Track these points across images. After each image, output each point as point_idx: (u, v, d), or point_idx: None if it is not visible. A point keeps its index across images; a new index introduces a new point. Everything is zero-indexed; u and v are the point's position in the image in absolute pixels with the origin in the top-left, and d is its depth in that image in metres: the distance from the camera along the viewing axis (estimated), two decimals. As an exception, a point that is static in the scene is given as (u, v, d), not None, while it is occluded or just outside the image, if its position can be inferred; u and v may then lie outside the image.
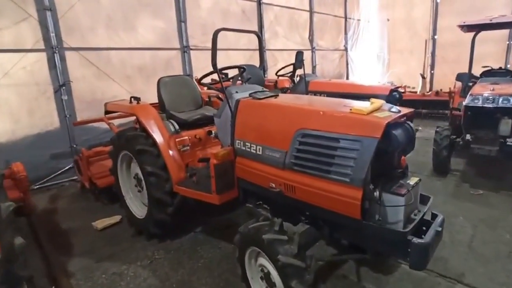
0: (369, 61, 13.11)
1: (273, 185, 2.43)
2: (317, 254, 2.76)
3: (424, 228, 2.09)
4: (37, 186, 5.05)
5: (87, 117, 5.27)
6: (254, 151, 2.56)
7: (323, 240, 3.06)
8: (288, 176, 2.32)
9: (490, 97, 4.37)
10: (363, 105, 2.20)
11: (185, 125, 3.56)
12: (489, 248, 3.20)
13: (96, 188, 4.44)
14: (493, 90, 4.51)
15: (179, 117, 3.58)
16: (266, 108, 2.60)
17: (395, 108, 2.21)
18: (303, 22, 10.50)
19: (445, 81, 9.46)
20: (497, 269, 2.89)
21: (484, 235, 3.45)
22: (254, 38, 4.03)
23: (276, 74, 6.70)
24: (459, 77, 5.82)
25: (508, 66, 9.77)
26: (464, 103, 4.62)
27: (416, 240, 1.89)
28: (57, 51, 5.13)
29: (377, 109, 2.16)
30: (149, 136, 3.29)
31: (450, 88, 7.76)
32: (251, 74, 4.13)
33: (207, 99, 4.28)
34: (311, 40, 10.78)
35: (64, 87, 5.26)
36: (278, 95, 2.85)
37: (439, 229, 2.05)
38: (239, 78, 3.42)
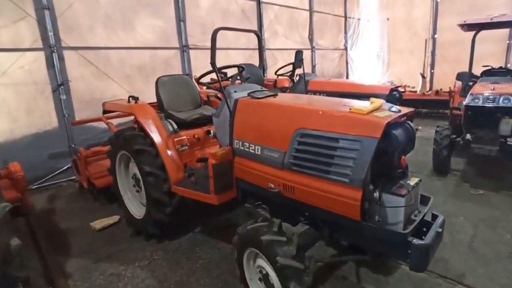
0: (369, 60, 13.08)
1: (272, 185, 2.41)
2: (317, 255, 2.73)
3: (424, 229, 2.07)
4: (35, 186, 5.02)
5: (86, 117, 5.24)
6: (253, 151, 2.54)
7: (323, 241, 3.05)
8: (287, 176, 2.30)
9: (491, 97, 4.34)
10: (362, 105, 2.17)
11: (183, 125, 3.54)
12: (490, 249, 3.18)
13: (94, 188, 4.41)
14: (493, 89, 4.48)
15: (178, 117, 3.55)
16: (264, 107, 2.57)
17: (395, 108, 2.18)
18: (303, 21, 10.47)
19: (445, 81, 9.45)
20: (498, 270, 2.87)
21: (484, 235, 3.43)
22: (253, 37, 4.00)
23: (275, 73, 6.67)
24: (459, 76, 5.80)
25: (509, 65, 9.74)
26: (464, 103, 4.59)
27: (416, 241, 1.87)
28: (55, 50, 5.10)
29: (377, 109, 2.13)
30: (147, 135, 3.27)
31: (450, 88, 7.74)
32: (250, 74, 4.11)
33: (206, 99, 4.25)
34: (311, 40, 10.75)
35: (62, 87, 5.23)
36: (277, 95, 2.83)
37: (440, 230, 2.02)
38: (238, 78, 3.39)
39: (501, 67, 5.93)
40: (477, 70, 5.78)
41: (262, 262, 2.26)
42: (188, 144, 3.44)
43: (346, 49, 12.55)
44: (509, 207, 4.03)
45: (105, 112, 4.08)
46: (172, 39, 6.81)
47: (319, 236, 2.53)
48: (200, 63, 7.06)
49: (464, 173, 5.27)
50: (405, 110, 2.21)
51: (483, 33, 5.70)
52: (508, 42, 9.97)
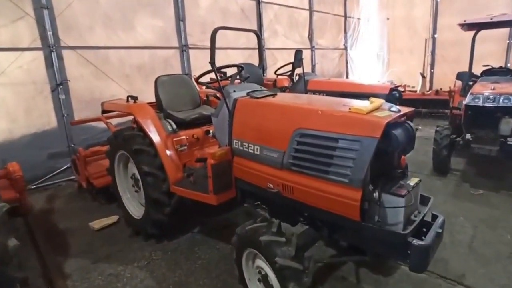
0: (369, 60, 13.07)
1: (271, 185, 2.40)
2: (316, 255, 2.72)
3: (424, 229, 2.06)
4: (34, 186, 5.01)
5: (85, 117, 5.23)
6: (252, 151, 2.53)
7: (322, 241, 3.03)
8: (286, 177, 2.29)
9: (491, 96, 4.33)
10: (362, 105, 2.16)
11: (182, 125, 3.52)
12: (490, 249, 3.17)
13: (93, 188, 4.40)
14: (493, 89, 4.47)
15: (177, 117, 3.54)
16: (263, 107, 2.56)
17: (395, 108, 2.17)
18: (303, 21, 10.46)
19: (445, 80, 9.45)
20: (498, 270, 2.86)
21: (484, 235, 3.42)
22: (253, 37, 3.98)
23: (275, 73, 6.66)
24: (459, 76, 5.79)
25: (509, 65, 9.73)
26: (464, 102, 4.58)
27: (416, 242, 1.86)
28: (54, 50, 5.08)
29: (377, 109, 2.12)
30: (146, 135, 3.26)
31: (450, 87, 7.73)
32: (250, 73, 4.09)
33: (205, 98, 4.24)
34: (310, 39, 10.73)
35: (61, 86, 5.22)
36: (276, 94, 2.81)
37: (440, 230, 2.01)
38: (237, 77, 3.38)
39: (501, 67, 5.92)
40: (477, 70, 5.76)
41: (261, 262, 2.25)
42: (187, 144, 3.43)
43: (346, 48, 12.54)
44: (509, 207, 4.02)
45: (104, 112, 4.07)
46: (171, 38, 6.80)
47: (319, 236, 2.52)
48: (199, 63, 7.05)
49: (464, 173, 5.26)
50: (405, 110, 2.19)
51: (483, 32, 5.69)
52: (508, 41, 9.96)
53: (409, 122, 2.16)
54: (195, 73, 6.65)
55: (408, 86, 10.28)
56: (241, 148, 2.62)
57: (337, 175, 2.00)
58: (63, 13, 5.14)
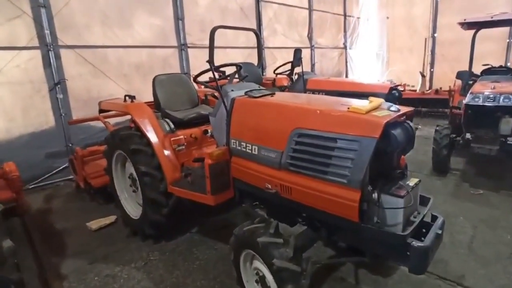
0: (369, 59, 13.04)
1: (269, 186, 2.37)
2: (314, 256, 2.71)
3: (424, 230, 2.04)
4: (32, 186, 4.99)
5: (83, 116, 5.20)
6: (250, 151, 2.50)
7: (321, 241, 3.01)
8: (284, 177, 2.26)
9: (491, 96, 4.30)
10: (361, 104, 2.13)
11: (180, 124, 3.49)
12: (490, 249, 3.15)
13: (91, 188, 4.38)
14: (494, 88, 4.45)
15: (175, 116, 3.51)
16: (261, 106, 2.53)
17: (394, 107, 2.14)
18: (302, 20, 10.42)
19: (445, 79, 9.43)
20: (498, 271, 2.84)
21: (484, 235, 3.40)
22: (252, 36, 3.95)
23: (274, 72, 6.63)
24: (459, 75, 5.76)
25: (509, 64, 9.71)
26: (464, 102, 4.55)
27: (415, 243, 1.83)
28: (52, 49, 5.05)
29: (376, 108, 2.09)
30: (143, 135, 3.23)
31: (450, 87, 7.70)
32: (249, 72, 4.07)
33: (204, 98, 4.21)
34: (310, 38, 10.70)
35: (59, 86, 5.19)
36: (274, 94, 2.79)
37: (439, 231, 1.99)
38: (236, 76, 3.35)
39: (501, 66, 5.89)
40: (477, 69, 5.74)
41: (258, 264, 2.23)
42: (185, 143, 3.40)
43: (345, 47, 12.51)
44: (509, 207, 3.99)
45: (101, 111, 4.04)
46: (170, 37, 6.76)
47: (317, 237, 2.49)
48: (198, 62, 7.00)
49: (464, 173, 5.24)
50: (404, 109, 2.17)
51: (483, 32, 5.67)
52: (508, 40, 9.94)
53: (408, 121, 2.14)
54: (194, 72, 6.61)
55: (408, 85, 10.26)
56: (239, 148, 2.60)
57: (336, 176, 1.98)
58: (60, 12, 5.11)
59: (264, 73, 8.34)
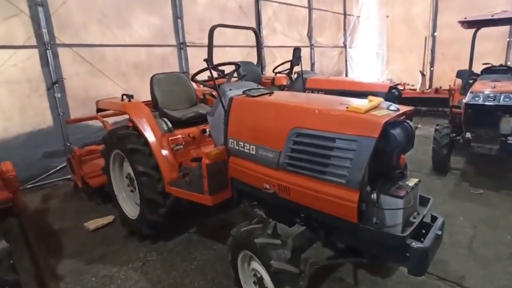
0: (369, 58, 13.01)
1: (267, 186, 2.35)
2: (313, 257, 2.68)
3: (423, 231, 2.01)
4: (30, 186, 4.96)
5: (81, 115, 5.17)
6: (248, 151, 2.48)
7: (320, 241, 2.99)
8: (282, 177, 2.24)
9: (491, 95, 4.28)
10: (360, 103, 2.11)
11: (178, 123, 3.47)
12: (490, 250, 3.13)
13: (89, 187, 4.35)
14: (494, 87, 4.42)
15: (172, 115, 3.48)
16: (259, 106, 2.50)
17: (394, 106, 2.11)
18: (302, 19, 10.38)
19: (445, 78, 9.39)
20: (498, 271, 2.82)
21: (484, 235, 3.37)
22: (252, 35, 3.94)
23: (273, 71, 6.59)
24: (459, 74, 5.74)
25: (509, 63, 9.67)
26: (464, 101, 4.53)
27: (415, 244, 1.80)
28: (49, 48, 5.02)
29: (375, 107, 2.06)
30: (141, 134, 3.20)
31: (450, 86, 7.67)
32: (248, 71, 4.04)
33: (202, 97, 4.18)
34: (310, 37, 10.66)
35: (57, 85, 5.16)
36: (272, 93, 2.76)
37: (439, 232, 1.96)
38: (235, 75, 3.32)
39: (501, 65, 5.87)
40: (477, 68, 5.71)
41: (256, 265, 2.20)
42: (183, 143, 3.37)
43: (345, 46, 12.47)
44: (509, 207, 3.97)
45: (99, 110, 4.01)
46: (169, 36, 6.73)
47: (316, 237, 2.47)
48: (197, 61, 6.95)
49: (464, 172, 5.21)
50: (404, 108, 2.14)
51: (483, 31, 5.64)
52: (508, 39, 9.92)
53: (408, 121, 2.11)
54: (193, 71, 6.58)
55: (408, 84, 10.22)
56: (237, 147, 2.57)
57: (334, 176, 1.95)
58: (58, 10, 5.08)
59: (263, 72, 8.31)
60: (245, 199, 2.84)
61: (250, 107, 2.55)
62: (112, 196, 3.74)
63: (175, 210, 3.31)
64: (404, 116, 2.12)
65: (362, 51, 12.93)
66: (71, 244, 3.47)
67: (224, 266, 2.87)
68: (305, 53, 10.19)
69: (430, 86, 10.51)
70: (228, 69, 3.26)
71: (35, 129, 5.08)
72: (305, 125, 2.13)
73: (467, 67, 5.65)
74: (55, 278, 2.90)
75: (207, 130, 3.37)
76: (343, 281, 2.75)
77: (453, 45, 10.29)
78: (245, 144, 2.49)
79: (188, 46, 6.96)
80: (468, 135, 4.73)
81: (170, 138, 3.29)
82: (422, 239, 1.90)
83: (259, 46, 3.71)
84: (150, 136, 3.18)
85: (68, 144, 5.31)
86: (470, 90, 4.59)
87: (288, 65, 6.27)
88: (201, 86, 3.28)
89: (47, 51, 5.01)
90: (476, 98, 4.38)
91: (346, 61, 12.62)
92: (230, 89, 2.75)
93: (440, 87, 9.06)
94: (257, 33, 4.03)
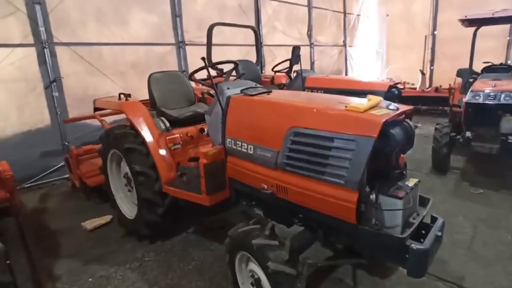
0: (368, 57, 12.96)
1: (265, 186, 2.32)
2: (312, 257, 2.66)
3: (423, 232, 1.98)
4: (28, 185, 4.94)
5: (79, 114, 5.14)
6: (245, 150, 2.45)
7: (319, 241, 2.96)
8: (280, 177, 2.21)
9: (492, 94, 4.25)
10: (359, 102, 2.08)
11: (176, 123, 3.44)
12: (490, 250, 3.10)
13: (86, 187, 4.32)
14: (494, 86, 4.39)
15: (170, 114, 3.45)
16: (257, 105, 2.47)
17: (393, 105, 2.08)
18: (302, 17, 10.33)
19: (445, 77, 9.33)
20: (498, 272, 2.79)
21: (484, 235, 3.35)
22: (251, 33, 3.90)
23: (272, 69, 6.57)
24: (460, 73, 5.72)
25: (509, 61, 9.65)
26: (464, 100, 4.50)
27: (414, 245, 1.77)
28: (47, 46, 4.98)
29: (374, 107, 2.03)
30: (138, 134, 3.17)
31: (450, 84, 7.62)
32: (247, 70, 4.02)
33: (201, 96, 4.15)
34: (309, 36, 10.62)
35: (54, 83, 5.12)
36: (271, 91, 2.73)
37: (439, 233, 1.93)
38: (233, 74, 3.29)
39: (501, 64, 5.84)
40: (477, 67, 5.68)
41: (254, 266, 2.18)
42: (181, 142, 3.34)
43: (345, 45, 12.42)
44: (509, 206, 3.94)
45: (96, 109, 3.98)
46: (167, 35, 6.69)
47: (314, 238, 2.43)
48: (197, 60, 6.89)
49: (464, 172, 5.18)
50: (403, 108, 2.11)
51: (483, 29, 5.60)
52: (508, 38, 9.89)
53: (407, 120, 2.08)
54: (192, 70, 6.55)
55: (408, 83, 10.19)
56: (235, 147, 2.54)
57: (333, 176, 1.92)
58: (55, 9, 5.04)
59: (263, 71, 8.27)
60: (243, 199, 2.82)
61: (247, 106, 2.52)
62: (109, 195, 3.71)
63: (173, 210, 3.28)
64: (403, 116, 2.09)
65: (362, 50, 12.88)
66: (68, 244, 3.44)
67: (222, 267, 2.85)
68: (305, 52, 10.15)
69: (430, 85, 10.47)
70: (227, 67, 3.24)
71: (33, 128, 5.05)
72: (303, 125, 2.10)
73: (467, 66, 5.62)
74: (52, 279, 2.87)
75: (205, 129, 3.34)
76: (342, 281, 2.72)
77: (453, 43, 10.24)
78: (243, 144, 2.47)
79: (187, 44, 6.92)
80: (468, 134, 4.70)
81: (167, 138, 3.26)
82: (422, 240, 1.88)
83: (258, 44, 3.67)
84: (147, 135, 3.15)
85: (66, 143, 5.29)
86: (470, 89, 4.57)
87: (287, 64, 6.24)
88: (200, 85, 3.26)
89: (45, 49, 4.97)
90: (477, 97, 4.35)
91: (346, 60, 12.57)
92: (228, 88, 2.72)
93: (440, 86, 9.02)
94: (256, 31, 3.98)
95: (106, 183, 3.72)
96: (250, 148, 2.41)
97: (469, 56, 5.61)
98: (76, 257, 3.19)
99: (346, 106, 2.02)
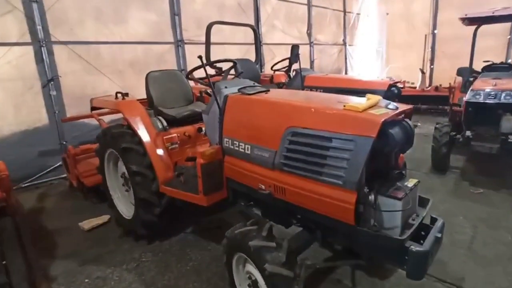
0: (368, 56, 12.92)
1: (263, 186, 2.29)
2: (309, 260, 2.63)
3: (423, 233, 1.95)
4: (25, 185, 4.91)
5: (77, 113, 5.10)
6: (243, 150, 2.42)
7: (317, 242, 2.93)
8: (277, 177, 2.18)
9: (492, 93, 4.22)
10: (358, 102, 2.05)
11: (174, 122, 3.41)
12: (490, 250, 3.08)
13: (84, 186, 4.29)
14: (495, 85, 4.36)
15: (168, 114, 3.42)
16: (255, 104, 2.44)
17: (393, 105, 2.05)
18: (301, 16, 10.29)
19: (445, 76, 9.31)
20: (498, 272, 2.77)
21: (484, 235, 3.32)
22: (250, 32, 3.88)
23: (271, 68, 6.53)
24: (460, 72, 5.69)
25: (509, 60, 9.62)
26: (465, 99, 4.48)
27: (414, 247, 1.74)
28: (44, 45, 4.95)
29: (373, 106, 2.00)
30: (135, 133, 3.14)
31: (450, 83, 7.60)
32: (246, 69, 3.98)
33: (199, 95, 4.11)
34: (309, 34, 10.57)
35: (52, 82, 5.09)
36: (269, 90, 2.69)
37: (439, 235, 1.90)
38: (231, 73, 3.26)
39: (502, 62, 5.81)
40: (477, 66, 5.65)
41: (251, 268, 2.15)
42: (179, 142, 3.31)
43: (345, 44, 12.38)
44: (509, 206, 3.92)
45: (93, 108, 3.94)
46: (166, 33, 6.65)
47: (313, 239, 2.41)
48: (195, 58, 6.85)
49: (464, 171, 5.16)
50: (403, 107, 2.08)
51: (483, 28, 5.57)
52: (509, 37, 9.85)
53: (407, 120, 2.05)
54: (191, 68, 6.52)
55: (408, 82, 10.16)
56: (232, 147, 2.51)
57: (331, 177, 1.89)
58: (53, 7, 5.01)
59: (262, 70, 8.24)
60: (241, 199, 2.79)
61: (245, 105, 2.49)
62: (107, 195, 3.68)
63: (170, 210, 3.25)
64: (403, 115, 2.06)
65: (361, 49, 12.84)
66: (65, 244, 3.41)
67: (220, 267, 2.82)
68: (304, 50, 10.10)
69: (430, 84, 10.45)
70: (225, 66, 3.21)
71: (30, 127, 5.02)
72: (301, 124, 2.07)
73: (467, 65, 5.59)
74: (47, 280, 2.85)
75: (203, 128, 3.31)
76: (340, 282, 2.70)
77: (454, 42, 10.22)
78: (240, 144, 2.44)
79: (185, 43, 6.89)
80: (468, 133, 4.66)
81: (165, 137, 3.23)
82: (421, 242, 1.85)
83: (257, 43, 3.64)
84: (144, 135, 3.12)
85: (64, 143, 5.26)
86: (470, 88, 4.54)
87: (286, 63, 6.21)
88: (198, 83, 3.23)
89: (42, 48, 4.94)
90: (477, 96, 4.32)
91: (345, 58, 12.53)
92: (226, 87, 2.69)
93: (440, 85, 8.99)
94: (256, 30, 3.96)
95: (103, 183, 3.69)
96: (248, 148, 2.38)
97: (469, 55, 5.57)
98: (73, 258, 3.16)
99: (344, 106, 1.99)
